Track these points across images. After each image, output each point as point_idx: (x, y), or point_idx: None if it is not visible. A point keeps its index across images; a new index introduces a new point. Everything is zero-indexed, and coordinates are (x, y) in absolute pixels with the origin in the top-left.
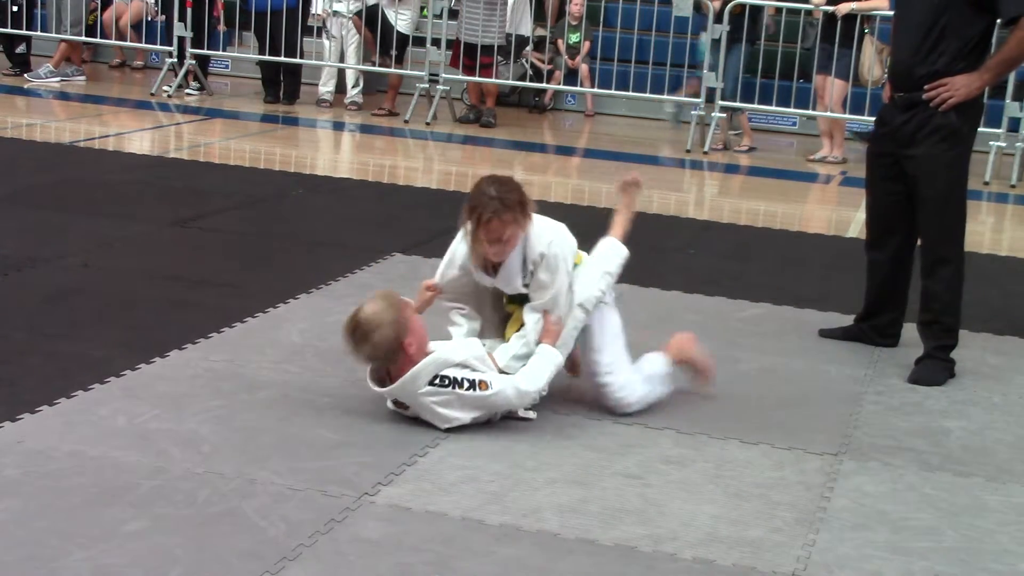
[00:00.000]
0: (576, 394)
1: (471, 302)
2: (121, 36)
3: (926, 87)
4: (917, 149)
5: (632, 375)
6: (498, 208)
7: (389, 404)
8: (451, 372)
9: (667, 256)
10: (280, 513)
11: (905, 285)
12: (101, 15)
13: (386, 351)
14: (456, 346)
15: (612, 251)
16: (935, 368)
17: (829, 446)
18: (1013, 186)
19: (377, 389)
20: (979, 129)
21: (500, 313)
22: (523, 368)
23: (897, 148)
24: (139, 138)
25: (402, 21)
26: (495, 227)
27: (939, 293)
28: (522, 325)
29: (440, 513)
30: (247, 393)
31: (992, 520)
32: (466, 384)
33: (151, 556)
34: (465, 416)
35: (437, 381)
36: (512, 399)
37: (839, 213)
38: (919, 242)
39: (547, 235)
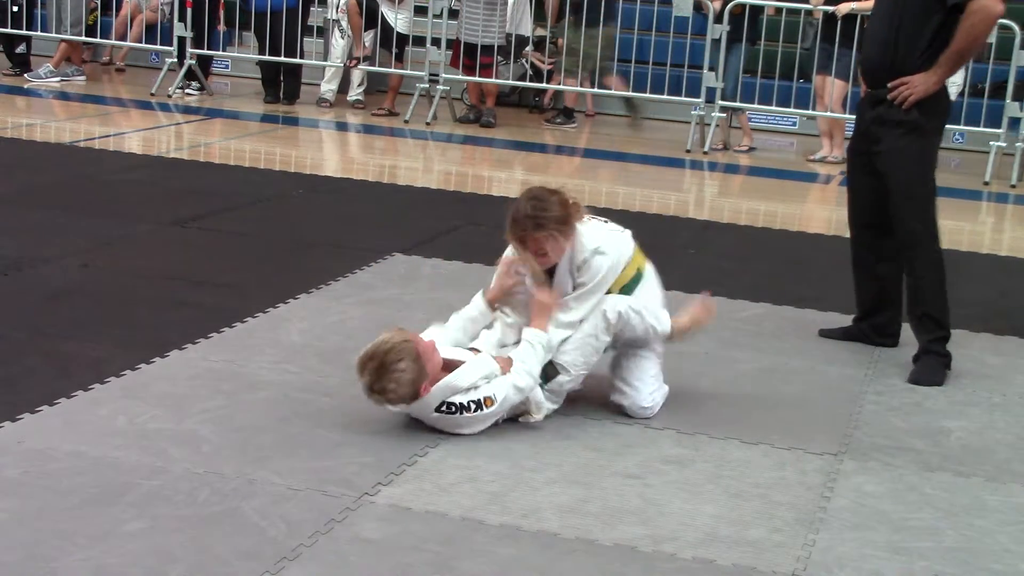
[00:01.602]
0: (576, 394)
1: (525, 312)
2: (124, 37)
3: (889, 85)
4: (883, 144)
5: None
6: (531, 227)
7: (392, 409)
8: (457, 399)
9: (667, 256)
10: (280, 513)
11: (897, 282)
12: (103, 16)
13: (401, 402)
14: (466, 370)
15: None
16: (933, 366)
17: (829, 446)
18: (1013, 186)
19: (391, 408)
20: (980, 129)
21: None
22: (515, 363)
23: (868, 144)
24: (139, 138)
25: (401, 21)
26: (532, 244)
27: (921, 286)
28: None
29: (440, 513)
30: (247, 393)
31: (992, 520)
32: (472, 407)
33: (151, 556)
34: (477, 428)
35: (444, 408)
36: (514, 398)
37: (839, 213)
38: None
39: (593, 242)
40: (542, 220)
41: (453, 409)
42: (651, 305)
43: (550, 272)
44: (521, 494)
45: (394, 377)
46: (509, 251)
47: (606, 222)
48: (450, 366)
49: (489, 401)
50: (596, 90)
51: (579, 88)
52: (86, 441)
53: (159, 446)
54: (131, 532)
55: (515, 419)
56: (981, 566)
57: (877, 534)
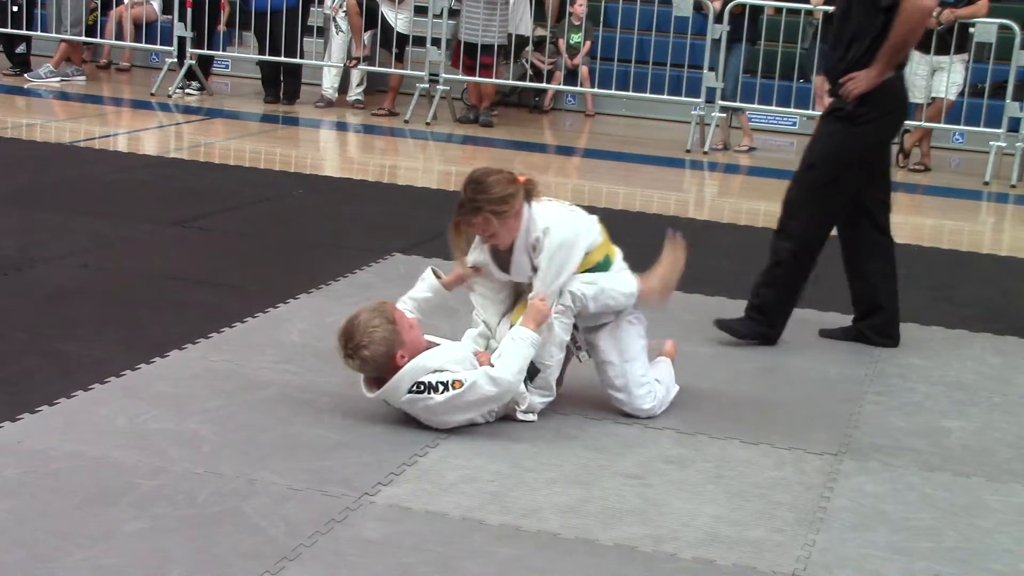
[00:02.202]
0: (576, 395)
1: (498, 294)
2: (122, 37)
3: (840, 81)
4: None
5: (650, 384)
6: (468, 211)
7: (370, 397)
8: (427, 378)
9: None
10: (280, 513)
11: (889, 279)
12: (103, 16)
13: (377, 365)
14: (438, 351)
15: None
16: (743, 323)
17: (829, 446)
18: (1013, 186)
19: (368, 395)
20: (980, 129)
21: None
22: (495, 357)
23: None
24: (139, 138)
25: (401, 21)
26: (473, 228)
27: (779, 253)
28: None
29: (440, 513)
30: (247, 393)
31: (992, 520)
32: (440, 387)
33: (151, 556)
34: (456, 418)
35: (415, 388)
36: (488, 390)
37: None
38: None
39: (544, 222)
40: (479, 202)
41: (423, 388)
42: (603, 276)
43: (508, 252)
44: (521, 494)
45: (368, 333)
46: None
47: (572, 207)
48: (429, 347)
49: (458, 384)
50: (596, 90)
51: (579, 88)
52: (86, 441)
53: (159, 446)
54: (131, 532)
55: (512, 418)
56: (981, 566)
57: (877, 534)
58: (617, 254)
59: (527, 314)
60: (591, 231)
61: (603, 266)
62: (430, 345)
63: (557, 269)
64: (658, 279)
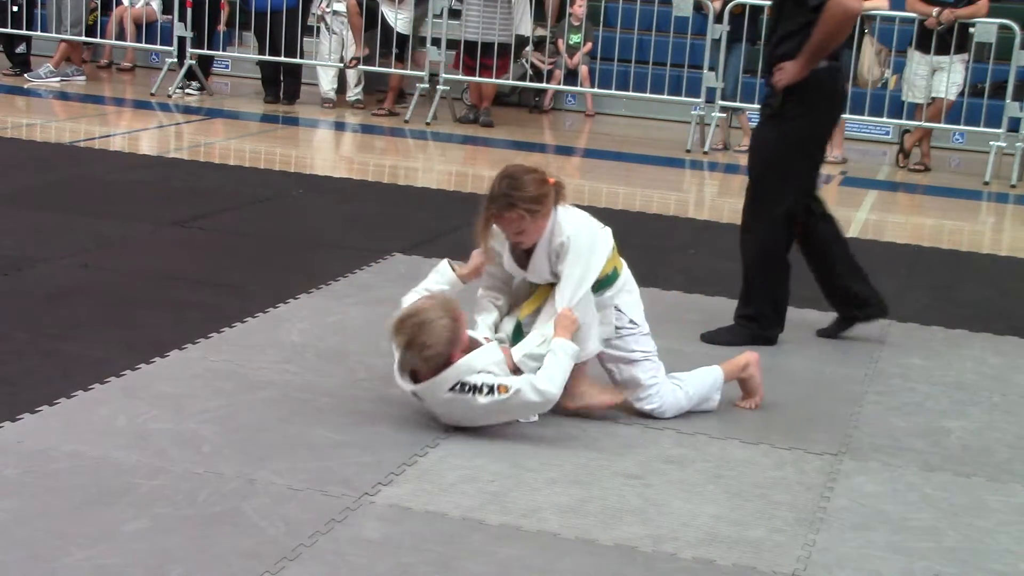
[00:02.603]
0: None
1: (506, 291)
2: (123, 37)
3: (775, 74)
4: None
5: (669, 391)
6: (503, 206)
7: (406, 388)
8: (472, 379)
9: (667, 256)
10: (280, 513)
11: (844, 258)
12: (103, 16)
13: (436, 365)
14: (483, 351)
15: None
16: (732, 331)
17: (829, 446)
18: (1013, 186)
19: (404, 386)
20: (980, 129)
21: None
22: (541, 368)
23: None
24: (139, 138)
25: (401, 21)
26: (504, 223)
27: (747, 263)
28: (537, 309)
29: (440, 513)
30: (247, 393)
31: (992, 520)
32: (485, 389)
33: (151, 556)
34: (492, 421)
35: (458, 387)
36: (532, 399)
37: (839, 213)
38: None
39: (569, 227)
40: (514, 199)
41: (467, 389)
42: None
43: (528, 253)
44: (521, 494)
45: (436, 333)
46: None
47: (588, 217)
48: (474, 346)
49: (503, 389)
50: (596, 90)
51: (579, 88)
52: (86, 441)
53: (159, 446)
54: (131, 532)
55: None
56: (981, 566)
57: (877, 534)
58: (624, 267)
59: (559, 324)
60: (607, 242)
61: (611, 278)
62: (475, 343)
63: (579, 279)
64: (593, 399)
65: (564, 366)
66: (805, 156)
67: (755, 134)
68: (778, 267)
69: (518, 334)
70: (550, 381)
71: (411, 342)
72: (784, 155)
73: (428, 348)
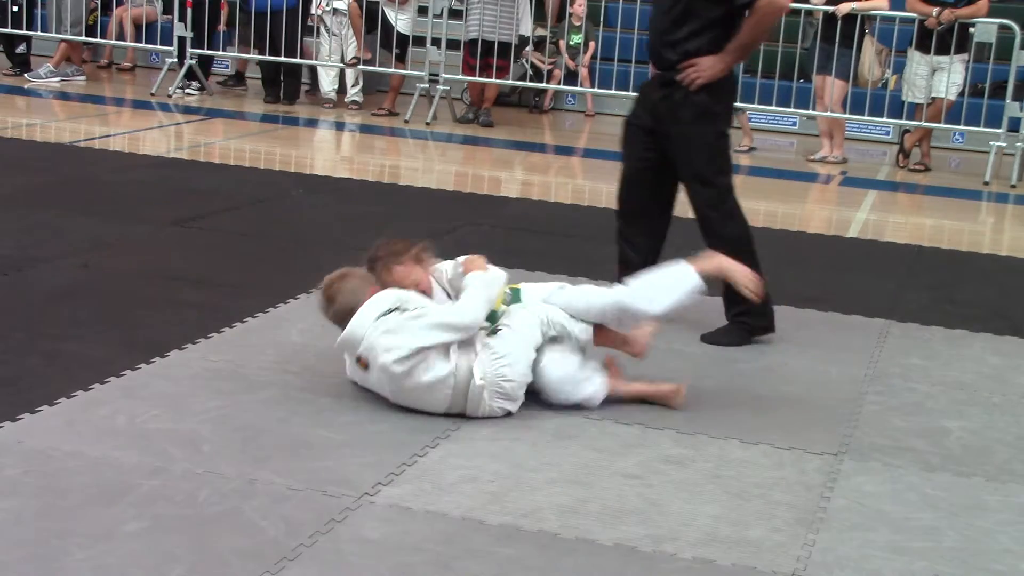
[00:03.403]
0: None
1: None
2: (123, 37)
3: (678, 66)
4: (673, 128)
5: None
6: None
7: (349, 371)
8: (390, 304)
9: (667, 256)
10: (280, 513)
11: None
12: (103, 16)
13: (348, 298)
14: (408, 292)
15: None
16: (732, 331)
17: (829, 446)
18: (1013, 186)
19: (337, 340)
20: (980, 129)
21: None
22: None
23: (655, 124)
24: (139, 138)
25: (401, 21)
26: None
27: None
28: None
29: (440, 513)
30: (247, 393)
31: (992, 520)
32: (403, 312)
33: (151, 556)
34: (418, 339)
35: (381, 314)
36: (449, 316)
37: (839, 213)
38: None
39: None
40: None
41: (388, 312)
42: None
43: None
44: (521, 494)
45: (347, 287)
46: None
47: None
48: None
49: (421, 311)
50: (596, 90)
51: (579, 88)
52: (86, 441)
53: (159, 446)
54: (131, 532)
55: (512, 418)
56: (981, 566)
57: (877, 534)
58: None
59: (469, 267)
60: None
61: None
62: None
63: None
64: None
65: (478, 295)
66: (728, 143)
67: (686, 138)
68: (750, 250)
69: (491, 319)
70: (462, 309)
71: (326, 292)
72: (721, 147)
73: (338, 297)
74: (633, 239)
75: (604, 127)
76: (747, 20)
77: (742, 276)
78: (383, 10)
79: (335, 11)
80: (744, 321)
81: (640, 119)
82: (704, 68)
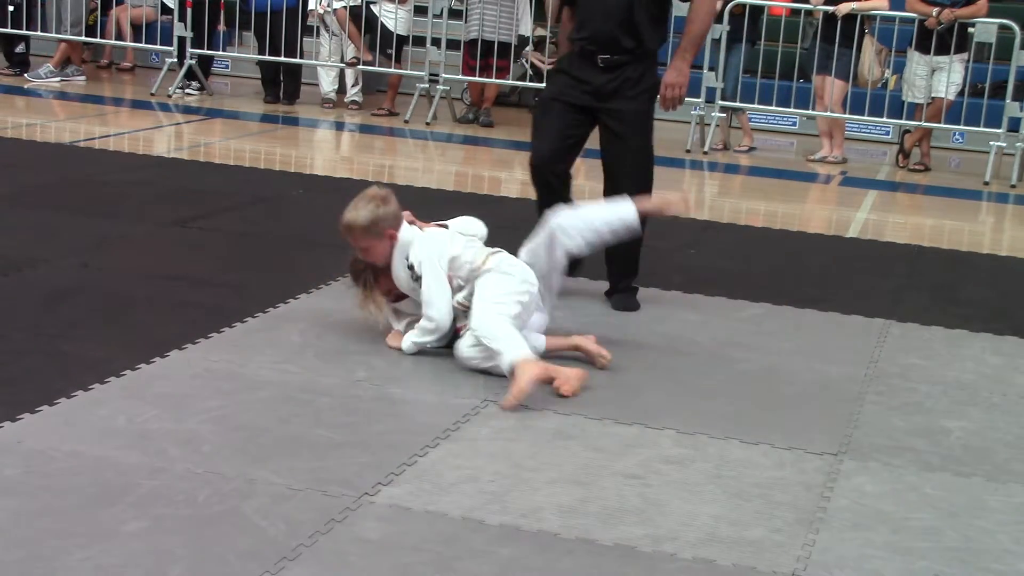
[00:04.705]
0: (576, 394)
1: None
2: (122, 37)
3: (664, 94)
4: (622, 104)
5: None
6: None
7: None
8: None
9: (667, 256)
10: (280, 513)
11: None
12: (103, 16)
13: (367, 226)
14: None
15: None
16: (631, 298)
17: (829, 446)
18: (1013, 186)
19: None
20: (980, 129)
21: None
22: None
23: (596, 102)
24: (139, 138)
25: (397, 20)
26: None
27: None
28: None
29: (440, 513)
30: (247, 393)
31: (992, 520)
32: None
33: (151, 556)
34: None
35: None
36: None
37: (839, 213)
38: (609, 190)
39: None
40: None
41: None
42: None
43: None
44: (521, 494)
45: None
46: None
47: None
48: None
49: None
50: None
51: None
52: (86, 441)
53: (159, 446)
54: (131, 532)
55: (512, 418)
56: (981, 566)
57: (877, 534)
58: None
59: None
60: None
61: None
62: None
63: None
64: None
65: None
66: None
67: (635, 113)
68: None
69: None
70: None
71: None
72: (652, 123)
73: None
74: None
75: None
76: (693, 12)
77: (679, 206)
78: (371, 8)
79: (335, 11)
80: (633, 286)
81: (571, 97)
82: (679, 83)
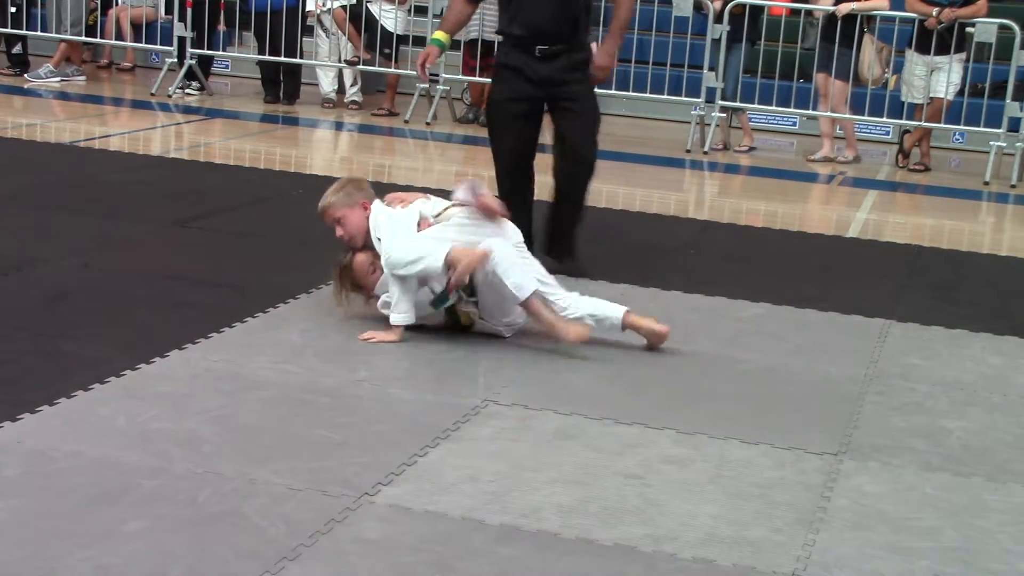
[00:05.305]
0: (576, 394)
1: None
2: (121, 37)
3: (596, 74)
4: (571, 85)
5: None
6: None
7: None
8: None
9: (667, 256)
10: (280, 513)
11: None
12: (103, 16)
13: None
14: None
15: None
16: (581, 265)
17: (829, 446)
18: (1013, 186)
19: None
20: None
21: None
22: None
23: (545, 89)
24: (139, 138)
25: (391, 20)
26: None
27: (582, 210)
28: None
29: (440, 513)
30: (247, 393)
31: (992, 520)
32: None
33: (151, 556)
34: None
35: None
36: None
37: (839, 213)
38: (568, 158)
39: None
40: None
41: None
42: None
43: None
44: (521, 494)
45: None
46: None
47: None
48: None
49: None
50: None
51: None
52: (86, 441)
53: (159, 446)
54: (131, 532)
55: (512, 418)
56: (981, 566)
57: (877, 534)
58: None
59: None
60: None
61: None
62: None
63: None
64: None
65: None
66: None
67: (585, 92)
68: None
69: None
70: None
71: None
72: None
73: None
74: (518, 216)
75: (604, 127)
76: (619, 3)
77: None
78: (369, 8)
79: (333, 11)
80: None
81: (522, 93)
82: (608, 64)
